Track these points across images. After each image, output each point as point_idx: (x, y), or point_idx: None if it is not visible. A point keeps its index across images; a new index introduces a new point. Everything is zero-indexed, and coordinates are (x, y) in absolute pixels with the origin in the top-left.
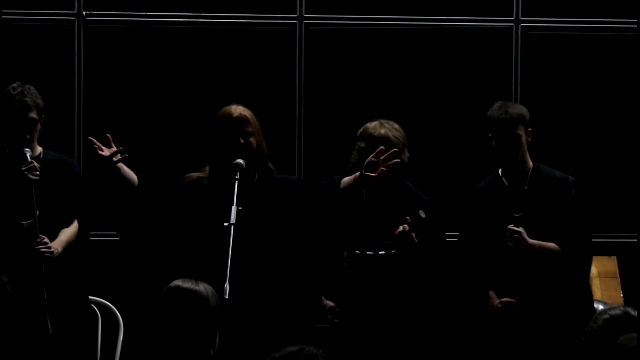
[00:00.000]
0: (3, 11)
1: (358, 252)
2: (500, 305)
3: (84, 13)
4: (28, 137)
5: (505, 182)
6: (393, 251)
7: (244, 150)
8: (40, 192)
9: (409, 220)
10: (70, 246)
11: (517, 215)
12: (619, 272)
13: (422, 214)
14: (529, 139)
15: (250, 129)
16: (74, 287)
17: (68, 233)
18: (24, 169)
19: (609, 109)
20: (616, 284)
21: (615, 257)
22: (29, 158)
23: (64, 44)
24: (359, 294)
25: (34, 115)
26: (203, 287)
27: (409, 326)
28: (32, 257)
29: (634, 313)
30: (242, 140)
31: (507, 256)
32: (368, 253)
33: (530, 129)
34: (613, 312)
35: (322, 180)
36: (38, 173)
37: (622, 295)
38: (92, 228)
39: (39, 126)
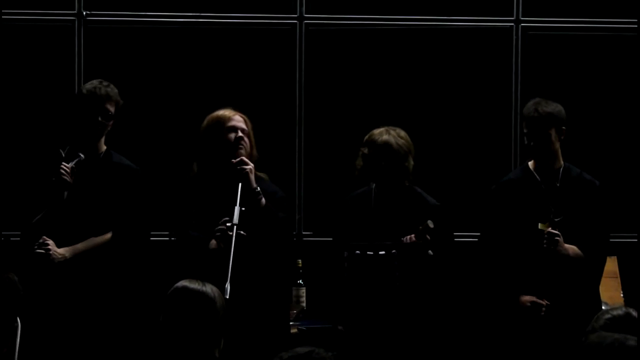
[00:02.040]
0: (3, 11)
1: (358, 252)
2: (529, 304)
3: (84, 13)
4: (100, 119)
5: (537, 177)
6: (393, 251)
7: (240, 147)
8: (80, 193)
9: (414, 238)
10: (101, 255)
11: (557, 219)
12: (619, 272)
13: (431, 224)
14: (562, 137)
15: (245, 128)
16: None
17: (91, 242)
18: (54, 178)
19: (609, 109)
20: (616, 284)
21: (615, 257)
22: (72, 164)
23: (64, 44)
24: (359, 294)
25: (109, 106)
26: (209, 288)
27: (409, 326)
28: (34, 257)
29: (635, 313)
30: (240, 134)
31: (537, 254)
32: (368, 253)
33: (564, 128)
34: (615, 312)
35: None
36: (66, 176)
37: (622, 295)
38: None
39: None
